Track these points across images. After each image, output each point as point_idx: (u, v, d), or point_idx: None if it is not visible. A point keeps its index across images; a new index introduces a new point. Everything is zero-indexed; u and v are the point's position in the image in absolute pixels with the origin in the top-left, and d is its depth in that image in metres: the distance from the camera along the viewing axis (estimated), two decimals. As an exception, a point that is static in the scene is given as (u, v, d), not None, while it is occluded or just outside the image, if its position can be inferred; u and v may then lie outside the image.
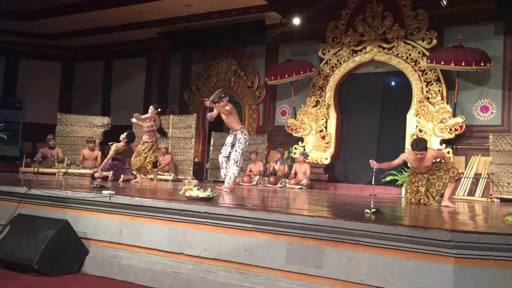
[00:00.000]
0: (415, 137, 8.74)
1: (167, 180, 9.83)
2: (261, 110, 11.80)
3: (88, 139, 10.72)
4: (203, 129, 12.49)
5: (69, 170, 9.89)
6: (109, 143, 9.35)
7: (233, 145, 6.44)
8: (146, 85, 13.46)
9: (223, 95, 6.37)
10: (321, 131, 10.61)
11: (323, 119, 10.58)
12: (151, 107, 8.20)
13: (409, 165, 6.42)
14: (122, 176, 8.18)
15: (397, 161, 6.19)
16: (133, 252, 4.15)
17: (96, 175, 8.45)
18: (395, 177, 9.07)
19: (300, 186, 9.67)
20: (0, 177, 6.83)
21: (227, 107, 6.38)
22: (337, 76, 10.63)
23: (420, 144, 5.86)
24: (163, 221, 4.05)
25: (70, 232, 4.33)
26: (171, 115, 11.47)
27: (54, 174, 9.51)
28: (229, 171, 6.45)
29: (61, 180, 7.39)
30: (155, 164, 8.11)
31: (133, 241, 4.18)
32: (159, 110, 8.19)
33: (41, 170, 9.71)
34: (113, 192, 4.45)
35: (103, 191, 4.52)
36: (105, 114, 12.81)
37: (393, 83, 10.86)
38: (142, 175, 8.14)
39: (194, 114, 11.23)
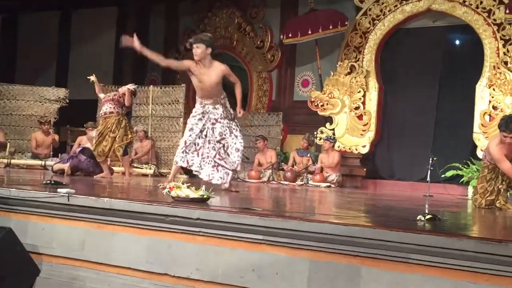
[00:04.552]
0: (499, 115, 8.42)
1: (146, 175, 9.94)
2: (275, 79, 11.82)
3: (41, 119, 10.77)
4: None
5: (13, 161, 9.96)
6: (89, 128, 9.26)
7: (212, 124, 6.31)
8: (117, 45, 13.26)
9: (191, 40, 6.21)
10: (357, 108, 10.61)
11: (359, 91, 10.58)
12: (129, 87, 8.28)
13: (483, 156, 6.29)
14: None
15: (499, 156, 5.63)
16: (99, 272, 4.14)
17: (55, 167, 8.45)
18: (459, 172, 9.03)
19: (328, 184, 9.73)
20: None
21: (223, 67, 6.23)
22: (380, 32, 10.66)
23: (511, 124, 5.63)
24: (141, 230, 4.06)
25: (15, 245, 4.30)
26: (151, 86, 11.48)
27: (-9, 166, 9.71)
28: (225, 164, 6.30)
29: (2, 174, 7.45)
30: (126, 150, 8.16)
31: (100, 257, 4.18)
32: (133, 92, 8.37)
33: (-28, 160, 9.90)
34: (73, 191, 4.43)
35: (59, 190, 4.51)
36: (61, 84, 12.82)
37: (457, 42, 10.82)
38: (109, 167, 8.33)
39: (183, 85, 11.18)
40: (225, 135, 6.28)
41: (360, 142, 10.57)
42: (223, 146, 6.27)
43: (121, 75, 13.26)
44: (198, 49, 6.02)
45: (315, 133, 10.77)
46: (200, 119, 6.31)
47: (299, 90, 11.67)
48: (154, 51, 13.55)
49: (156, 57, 6.36)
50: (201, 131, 6.27)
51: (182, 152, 6.23)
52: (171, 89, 11.23)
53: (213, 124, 6.27)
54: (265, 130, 11.06)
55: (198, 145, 6.27)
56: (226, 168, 6.25)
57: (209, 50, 6.09)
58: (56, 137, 10.86)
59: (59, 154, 10.47)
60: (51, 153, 10.56)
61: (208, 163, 6.21)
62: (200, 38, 6.15)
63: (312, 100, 10.94)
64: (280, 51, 11.79)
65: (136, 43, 6.09)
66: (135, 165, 10.12)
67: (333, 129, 10.73)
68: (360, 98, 10.63)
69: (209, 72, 6.12)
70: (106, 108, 8.13)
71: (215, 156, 6.23)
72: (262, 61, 11.97)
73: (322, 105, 10.84)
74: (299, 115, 11.41)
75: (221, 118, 6.27)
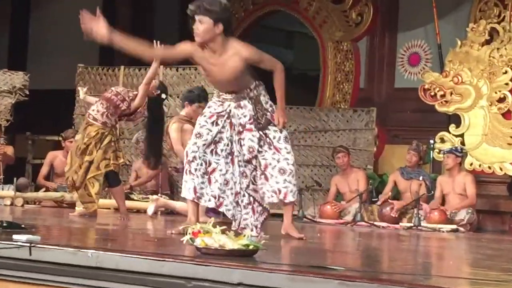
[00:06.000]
0: None
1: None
2: (364, 53, 12.10)
3: None
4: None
5: None
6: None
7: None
8: (105, 6, 13.76)
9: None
10: (501, 99, 10.77)
11: (506, 72, 10.66)
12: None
13: None
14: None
15: None
16: None
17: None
18: None
19: (455, 227, 9.82)
20: None
21: (243, 52, 6.13)
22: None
23: None
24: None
25: None
26: (161, 65, 11.44)
27: None
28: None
29: None
30: (115, 178, 8.45)
31: None
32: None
33: None
34: (38, 238, 4.55)
35: (15, 236, 4.60)
36: (16, 67, 13.12)
37: None
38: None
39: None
40: (260, 148, 6.25)
41: (508, 157, 10.48)
42: (258, 166, 6.25)
43: (111, 50, 13.06)
44: (201, 25, 6.02)
45: (432, 141, 10.83)
46: (214, 123, 6.26)
47: (404, 70, 11.91)
48: (165, 11, 13.55)
49: (135, 46, 6.24)
50: (215, 142, 6.25)
51: (188, 172, 6.16)
52: (192, 71, 11.38)
53: (239, 133, 6.24)
54: (348, 137, 11.35)
55: (210, 165, 6.20)
56: (261, 205, 6.32)
57: (220, 27, 6.04)
58: (10, 150, 11.31)
59: (14, 179, 10.40)
60: (2, 176, 10.82)
61: (239, 202, 6.21)
62: (204, 6, 6.05)
63: (427, 87, 10.96)
64: (372, 8, 12.04)
65: (100, 26, 5.84)
66: (135, 196, 10.40)
67: (461, 135, 10.71)
68: (507, 84, 10.67)
69: (221, 61, 6.11)
70: (93, 108, 8.50)
71: (248, 187, 6.22)
72: (343, 24, 12.38)
73: (443, 96, 10.88)
74: (405, 112, 11.63)
75: (250, 123, 6.22)
